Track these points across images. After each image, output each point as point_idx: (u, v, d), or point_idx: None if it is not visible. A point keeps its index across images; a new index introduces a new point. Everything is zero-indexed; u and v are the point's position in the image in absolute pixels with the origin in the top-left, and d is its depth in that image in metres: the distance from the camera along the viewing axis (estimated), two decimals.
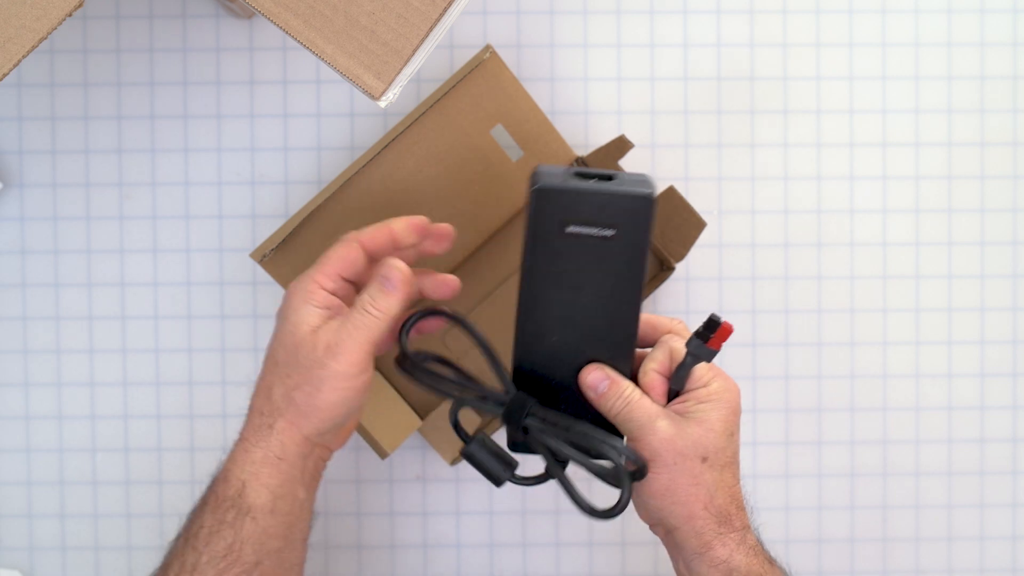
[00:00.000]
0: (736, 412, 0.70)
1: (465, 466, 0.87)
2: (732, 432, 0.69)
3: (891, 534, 0.89)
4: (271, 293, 0.87)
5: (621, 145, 0.81)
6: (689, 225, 0.81)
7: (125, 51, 0.87)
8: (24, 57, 0.57)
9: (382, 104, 0.63)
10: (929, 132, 0.89)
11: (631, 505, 0.68)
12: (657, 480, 0.67)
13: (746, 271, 0.88)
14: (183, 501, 0.86)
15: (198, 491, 0.87)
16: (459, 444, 0.75)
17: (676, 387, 0.70)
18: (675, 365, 0.69)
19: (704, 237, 0.87)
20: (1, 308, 0.87)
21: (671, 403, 0.69)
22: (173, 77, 0.87)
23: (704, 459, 0.67)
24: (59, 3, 0.58)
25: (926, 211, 0.89)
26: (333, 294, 0.67)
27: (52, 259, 0.87)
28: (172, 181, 0.87)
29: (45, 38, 0.57)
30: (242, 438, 0.67)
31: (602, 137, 0.87)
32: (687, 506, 0.67)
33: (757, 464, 0.89)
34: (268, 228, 0.87)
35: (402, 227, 0.70)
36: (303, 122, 0.87)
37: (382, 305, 0.66)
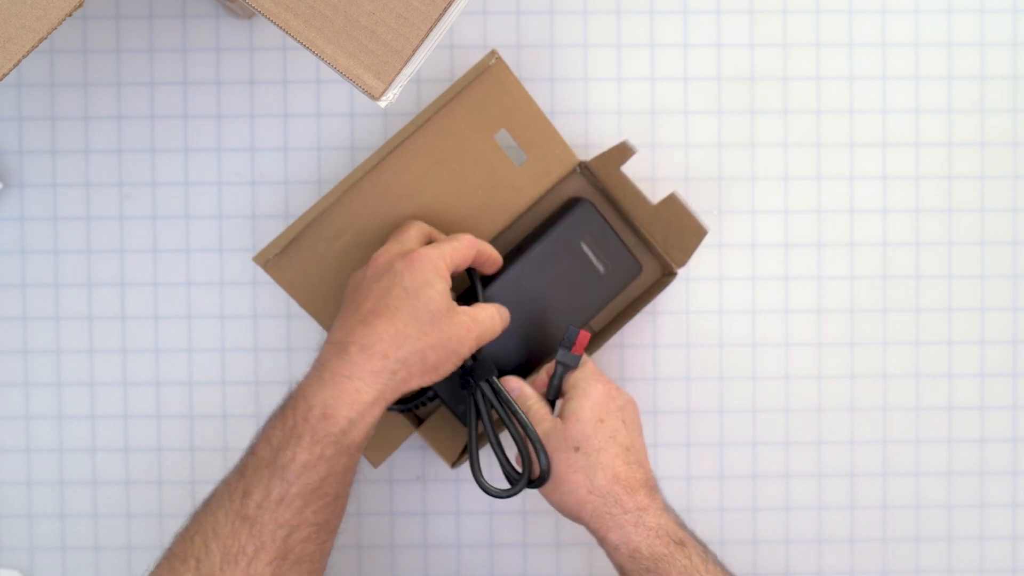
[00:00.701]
0: (600, 403, 0.76)
1: (465, 467, 0.87)
2: (601, 419, 0.75)
3: (891, 534, 0.89)
4: (271, 293, 0.87)
5: (623, 151, 0.81)
6: (690, 232, 0.82)
7: (125, 51, 0.87)
8: (24, 57, 0.57)
9: (382, 104, 0.63)
10: (929, 132, 0.89)
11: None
12: (551, 491, 0.76)
13: (746, 271, 0.88)
14: (183, 501, 0.87)
15: (198, 491, 0.87)
16: (459, 446, 0.84)
17: (551, 396, 0.79)
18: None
19: (704, 237, 0.87)
20: (1, 308, 0.87)
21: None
22: (173, 77, 0.87)
23: (576, 448, 0.74)
24: (59, 3, 0.58)
25: (926, 211, 0.89)
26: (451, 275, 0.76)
27: (52, 259, 0.87)
28: (172, 181, 0.87)
29: (45, 38, 0.57)
30: (349, 376, 0.69)
31: (602, 137, 0.87)
32: (574, 493, 0.74)
33: (757, 464, 0.89)
34: (268, 228, 0.87)
35: (491, 259, 0.80)
36: (303, 122, 0.87)
37: (499, 325, 0.77)
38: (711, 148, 0.88)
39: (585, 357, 0.79)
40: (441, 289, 0.72)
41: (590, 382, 0.76)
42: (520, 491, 0.75)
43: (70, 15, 0.57)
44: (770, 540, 0.89)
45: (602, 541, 0.74)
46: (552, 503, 0.76)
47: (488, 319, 0.75)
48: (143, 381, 0.87)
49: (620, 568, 0.74)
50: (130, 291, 0.87)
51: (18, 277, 0.87)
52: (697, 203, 0.88)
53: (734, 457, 0.89)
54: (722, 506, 0.88)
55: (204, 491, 0.86)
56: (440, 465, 0.88)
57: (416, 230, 0.78)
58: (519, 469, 0.77)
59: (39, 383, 0.87)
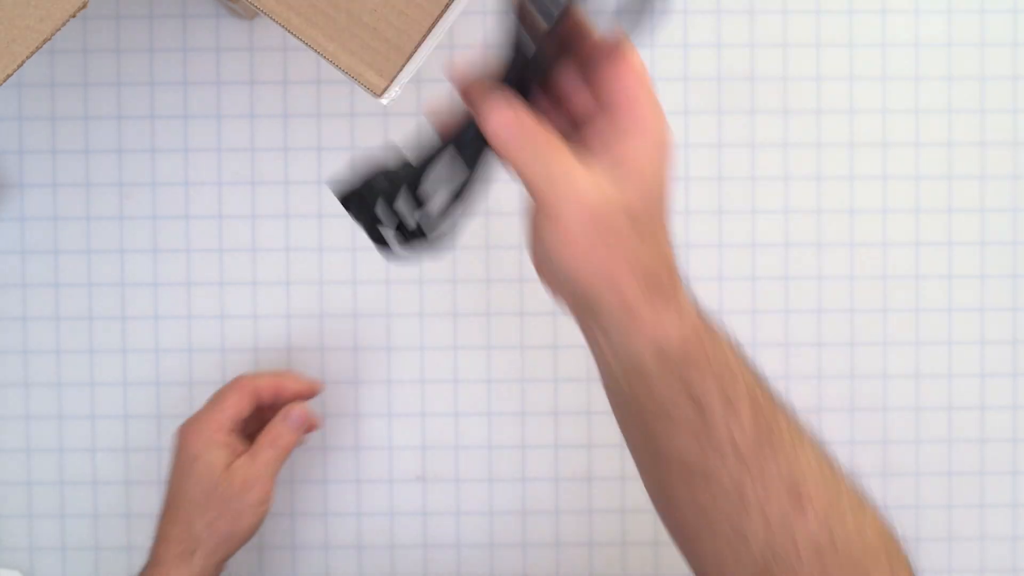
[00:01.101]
0: (667, 146, 0.54)
1: (465, 467, 0.87)
2: (662, 181, 0.54)
3: None
4: (271, 293, 0.87)
5: None
6: None
7: (125, 51, 0.87)
8: (28, 58, 0.57)
9: (384, 102, 0.63)
10: (929, 132, 0.89)
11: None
12: (574, 249, 0.52)
13: (746, 271, 0.88)
14: None
15: None
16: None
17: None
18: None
19: (704, 237, 0.88)
20: (1, 308, 0.87)
21: (580, 127, 0.54)
22: (173, 77, 0.87)
23: (633, 219, 0.52)
24: (63, 4, 0.58)
25: (926, 211, 0.89)
26: (232, 432, 0.78)
27: (52, 259, 0.87)
28: (172, 181, 0.87)
29: (49, 39, 0.57)
30: (158, 563, 0.75)
31: None
32: (608, 273, 0.52)
33: None
34: (268, 228, 0.87)
35: (293, 391, 0.81)
36: (303, 122, 0.87)
37: (285, 442, 0.77)
38: (711, 148, 0.88)
39: (640, 63, 0.53)
40: (214, 456, 0.76)
41: (654, 118, 0.53)
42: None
43: (73, 16, 0.57)
44: None
45: (622, 328, 0.53)
46: (558, 270, 0.53)
47: (265, 460, 0.77)
48: (143, 381, 0.87)
49: (638, 372, 0.54)
50: (130, 291, 0.87)
51: (18, 277, 0.87)
52: (697, 203, 0.88)
53: None
54: None
55: None
56: (440, 465, 0.88)
57: (232, 395, 0.79)
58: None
59: (39, 383, 0.87)
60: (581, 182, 0.51)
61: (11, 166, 0.86)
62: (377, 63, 0.62)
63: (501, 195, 0.87)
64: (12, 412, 0.87)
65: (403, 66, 0.62)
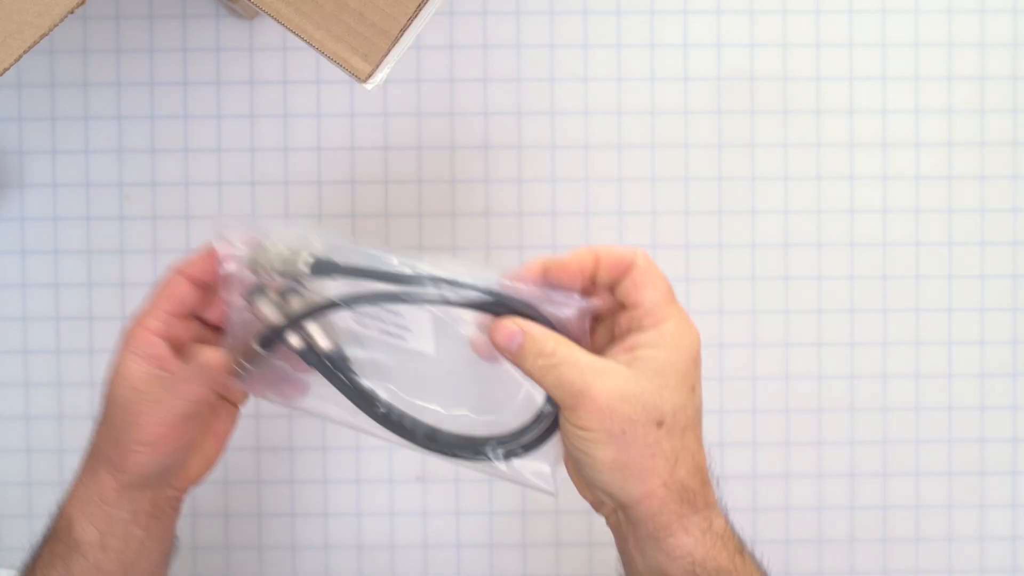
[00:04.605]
0: (697, 361, 0.58)
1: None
2: (693, 386, 0.57)
3: (891, 534, 0.89)
4: None
5: None
6: None
7: (125, 51, 0.87)
8: (25, 52, 0.57)
9: (369, 87, 0.63)
10: (929, 132, 0.89)
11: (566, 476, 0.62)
12: (604, 453, 0.55)
13: (746, 271, 0.88)
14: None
15: (198, 492, 0.87)
16: None
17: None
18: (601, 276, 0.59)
19: (704, 237, 0.87)
20: (1, 308, 0.87)
21: (614, 347, 0.57)
22: (173, 77, 0.87)
23: (660, 423, 0.55)
24: (61, 0, 0.58)
25: (926, 211, 0.89)
26: (164, 337, 0.63)
27: (52, 259, 0.87)
28: (172, 181, 0.87)
29: (47, 34, 0.57)
30: (77, 474, 0.66)
31: (602, 136, 0.87)
32: (643, 483, 0.56)
33: (757, 464, 0.88)
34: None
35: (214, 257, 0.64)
36: (303, 122, 0.87)
37: (193, 392, 0.61)
38: (711, 148, 0.88)
39: (661, 275, 0.59)
40: (126, 365, 0.61)
41: (683, 325, 0.57)
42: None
43: (72, 12, 0.57)
44: (770, 540, 0.89)
45: (654, 539, 0.57)
46: (598, 480, 0.57)
47: (158, 400, 0.61)
48: None
49: (663, 574, 0.58)
50: (130, 291, 0.87)
51: (18, 277, 0.87)
52: (697, 203, 0.88)
53: (734, 457, 0.88)
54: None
55: (203, 490, 0.86)
56: (440, 465, 0.88)
57: (162, 289, 0.63)
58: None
59: (39, 383, 0.87)
60: (602, 386, 0.55)
61: (11, 166, 0.86)
62: (363, 48, 0.62)
63: (501, 195, 0.88)
64: (12, 412, 0.87)
65: (389, 50, 0.62)
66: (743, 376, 0.88)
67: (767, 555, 0.89)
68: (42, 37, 0.57)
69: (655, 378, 0.56)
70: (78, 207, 0.87)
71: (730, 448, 0.88)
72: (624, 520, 0.59)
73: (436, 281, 0.59)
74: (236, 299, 0.63)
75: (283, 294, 0.62)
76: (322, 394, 0.64)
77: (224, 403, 0.66)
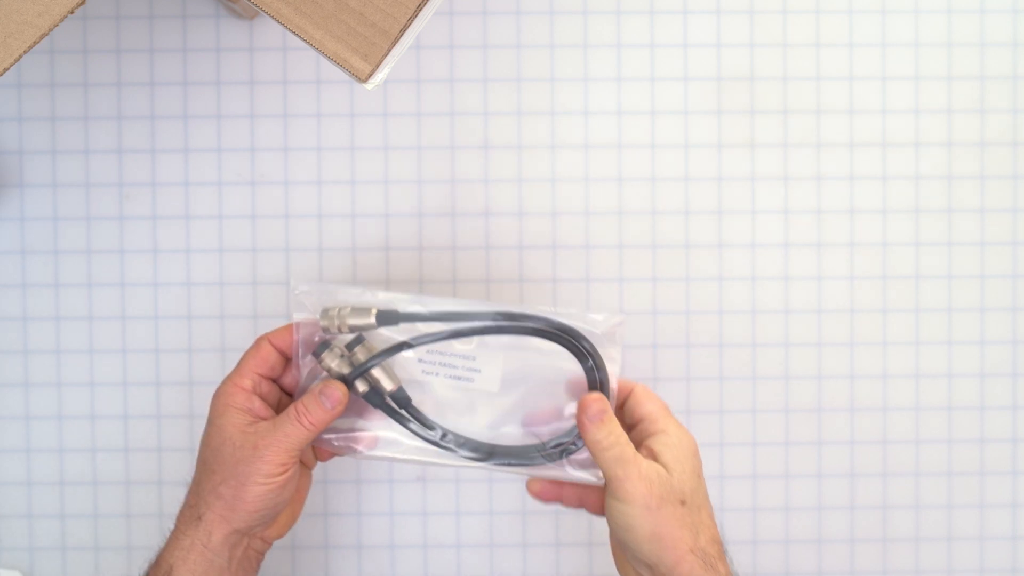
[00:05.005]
0: (697, 455, 0.73)
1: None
2: (699, 473, 0.72)
3: (891, 534, 0.89)
4: (271, 293, 0.87)
5: None
6: None
7: (125, 51, 0.87)
8: (25, 52, 0.57)
9: (369, 87, 0.63)
10: (929, 132, 0.89)
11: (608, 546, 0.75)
12: (644, 525, 0.70)
13: (746, 271, 0.88)
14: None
15: None
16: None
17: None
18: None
19: (704, 237, 0.87)
20: (1, 308, 0.87)
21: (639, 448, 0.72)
22: (173, 77, 0.87)
23: (683, 502, 0.70)
24: (61, 0, 0.58)
25: (926, 211, 0.89)
26: (253, 392, 0.72)
27: (52, 259, 0.87)
28: (172, 181, 0.87)
29: (47, 34, 0.57)
30: (175, 527, 0.72)
31: (601, 136, 0.87)
32: (675, 550, 0.69)
33: (757, 464, 0.88)
34: (268, 228, 0.87)
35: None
36: (303, 122, 0.87)
37: (315, 418, 0.71)
38: (711, 148, 0.88)
39: (655, 395, 0.76)
40: (229, 416, 0.71)
41: (682, 430, 0.73)
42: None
43: (72, 12, 0.57)
44: (770, 540, 0.89)
45: None
46: (640, 551, 0.71)
47: (285, 433, 0.70)
48: (143, 381, 0.87)
49: None
50: (130, 291, 0.87)
51: (18, 277, 0.87)
52: (697, 204, 0.88)
53: (734, 457, 0.88)
54: (722, 507, 0.88)
55: None
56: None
57: (251, 353, 0.74)
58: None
59: (39, 383, 0.87)
60: (647, 468, 0.70)
61: (11, 166, 0.86)
62: (363, 48, 0.62)
63: (501, 195, 0.88)
64: (12, 412, 0.87)
65: (389, 50, 0.62)
66: (743, 376, 0.88)
67: (767, 556, 0.89)
68: (42, 37, 0.57)
69: (673, 468, 0.71)
70: (78, 207, 0.87)
71: (730, 448, 0.88)
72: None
73: (494, 315, 0.71)
74: (308, 360, 0.73)
75: (349, 347, 0.72)
76: (387, 439, 0.74)
77: (303, 466, 0.76)
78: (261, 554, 0.74)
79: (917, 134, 0.89)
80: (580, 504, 0.77)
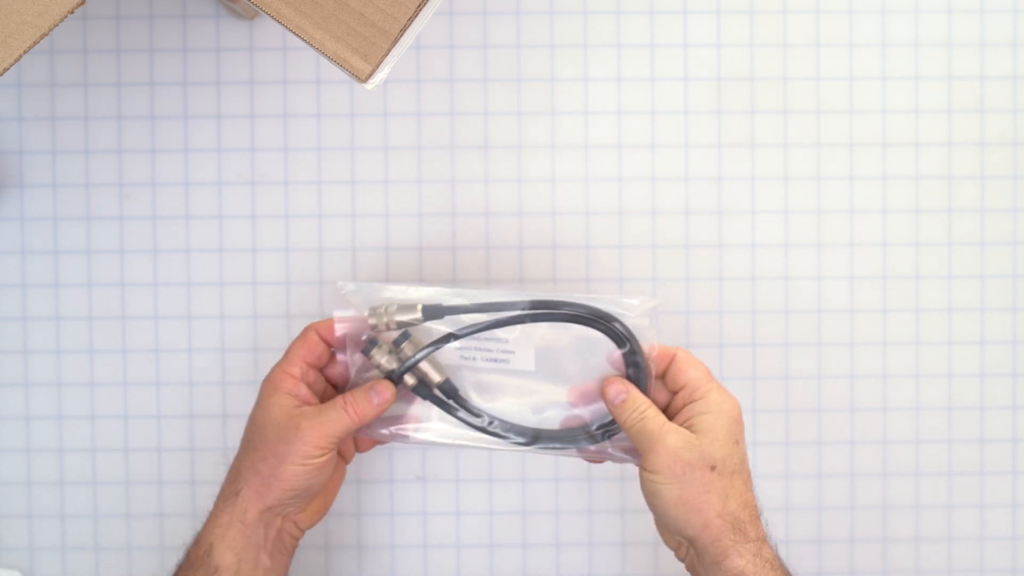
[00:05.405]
0: (738, 421, 0.74)
1: (465, 467, 0.87)
2: (736, 439, 0.73)
3: (891, 534, 0.89)
4: (271, 293, 0.87)
5: None
6: None
7: (125, 51, 0.87)
8: (25, 52, 0.57)
9: (369, 87, 0.63)
10: (929, 132, 0.89)
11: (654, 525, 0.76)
12: (670, 491, 0.71)
13: (746, 272, 0.88)
14: (183, 501, 0.87)
15: (198, 493, 0.87)
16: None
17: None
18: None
19: (704, 237, 0.87)
20: (1, 308, 0.87)
21: (674, 422, 0.74)
22: (173, 77, 0.87)
23: (712, 467, 0.72)
24: (61, 0, 0.58)
25: (926, 211, 0.89)
26: (301, 380, 0.75)
27: (52, 259, 0.87)
28: (172, 181, 0.87)
29: (47, 34, 0.57)
30: (214, 506, 0.74)
31: (602, 136, 0.87)
32: (701, 514, 0.71)
33: (757, 464, 0.88)
34: (268, 228, 0.87)
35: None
36: (303, 122, 0.87)
37: (360, 410, 0.73)
38: (711, 148, 0.88)
39: (698, 360, 0.77)
40: (276, 398, 0.74)
41: (724, 395, 0.74)
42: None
43: (72, 12, 0.57)
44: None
45: (715, 563, 0.71)
46: (667, 517, 0.72)
47: (329, 417, 0.73)
48: (143, 381, 0.87)
49: None
50: (130, 291, 0.87)
51: (18, 277, 0.87)
52: (697, 203, 0.88)
53: None
54: None
55: (204, 491, 0.86)
56: (440, 465, 0.88)
57: (299, 342, 0.76)
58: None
59: (39, 383, 0.87)
60: (672, 438, 0.72)
61: (11, 166, 0.86)
62: (363, 48, 0.62)
63: (501, 195, 0.88)
64: (12, 412, 0.87)
65: (389, 50, 0.62)
66: (743, 376, 0.88)
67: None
68: (42, 37, 0.57)
69: (706, 434, 0.72)
70: (78, 207, 0.87)
71: None
72: (694, 555, 0.73)
73: (531, 304, 0.75)
74: (356, 356, 0.76)
75: (396, 343, 0.75)
76: (431, 426, 0.78)
77: (340, 459, 0.78)
78: (295, 539, 0.76)
79: (917, 134, 0.89)
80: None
